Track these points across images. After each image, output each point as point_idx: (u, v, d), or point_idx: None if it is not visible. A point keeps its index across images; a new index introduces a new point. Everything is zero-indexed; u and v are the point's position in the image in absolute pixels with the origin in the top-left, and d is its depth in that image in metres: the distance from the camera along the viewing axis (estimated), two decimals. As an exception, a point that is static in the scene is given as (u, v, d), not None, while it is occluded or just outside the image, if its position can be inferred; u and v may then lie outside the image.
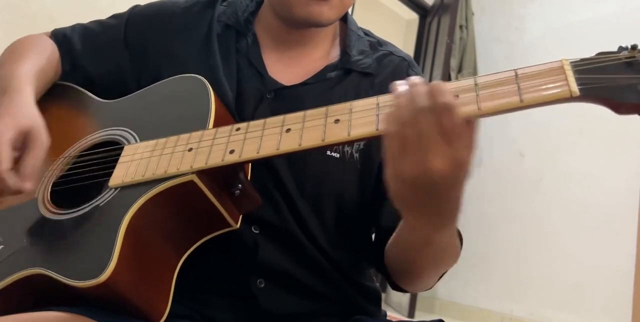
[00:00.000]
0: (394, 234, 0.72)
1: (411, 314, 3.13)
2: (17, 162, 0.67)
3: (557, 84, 0.51)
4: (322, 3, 0.76)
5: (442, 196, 0.53)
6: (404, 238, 0.67)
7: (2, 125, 0.67)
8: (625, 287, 2.59)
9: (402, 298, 3.24)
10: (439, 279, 0.80)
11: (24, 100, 0.73)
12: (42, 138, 0.69)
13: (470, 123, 0.51)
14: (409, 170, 0.51)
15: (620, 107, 0.50)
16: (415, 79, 0.53)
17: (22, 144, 0.68)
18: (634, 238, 2.62)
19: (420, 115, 0.50)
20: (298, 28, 0.83)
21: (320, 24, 0.80)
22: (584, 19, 3.21)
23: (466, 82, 0.55)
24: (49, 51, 0.88)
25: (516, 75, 0.53)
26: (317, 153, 0.76)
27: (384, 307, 0.87)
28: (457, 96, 0.54)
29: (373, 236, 0.84)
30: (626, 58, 0.50)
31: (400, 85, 0.54)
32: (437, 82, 0.52)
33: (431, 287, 0.82)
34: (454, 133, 0.50)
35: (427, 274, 0.75)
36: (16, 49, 0.87)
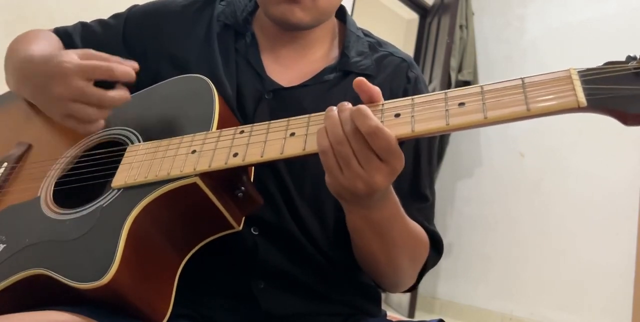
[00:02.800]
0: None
1: (411, 314, 3.13)
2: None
3: (564, 94, 0.51)
4: (293, 4, 0.76)
5: (378, 195, 0.61)
6: (349, 225, 0.71)
7: (65, 57, 0.70)
8: (626, 287, 2.59)
9: (402, 298, 3.24)
10: (418, 280, 0.81)
11: (54, 54, 0.75)
12: (91, 52, 0.73)
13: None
14: (350, 182, 0.58)
15: (628, 118, 0.49)
16: (344, 104, 0.59)
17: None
18: (634, 238, 2.62)
19: (352, 138, 0.56)
20: (284, 29, 0.83)
21: (294, 26, 0.80)
22: (584, 19, 3.21)
23: (472, 89, 0.55)
24: (56, 42, 0.89)
25: (523, 83, 0.53)
26: (316, 155, 0.76)
27: (384, 307, 0.87)
28: (463, 104, 0.54)
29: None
30: (634, 69, 0.49)
31: (332, 109, 0.59)
32: (358, 107, 0.57)
33: (411, 288, 0.83)
34: (385, 150, 0.56)
35: (384, 266, 0.76)
36: (27, 37, 0.88)
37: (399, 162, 0.57)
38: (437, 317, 0.80)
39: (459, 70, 3.52)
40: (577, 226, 2.95)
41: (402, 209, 0.70)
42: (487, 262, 3.33)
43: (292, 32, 0.84)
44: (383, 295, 0.85)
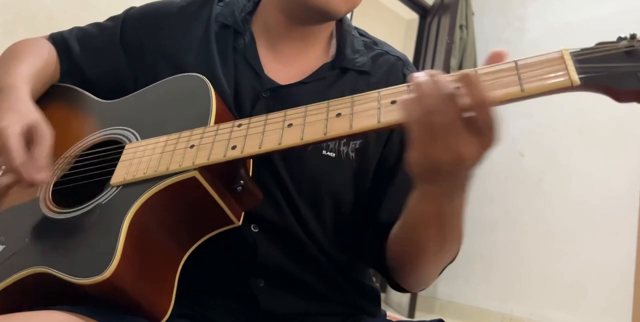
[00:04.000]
0: (403, 212, 0.70)
1: (411, 314, 3.13)
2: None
3: (557, 73, 0.51)
4: None
5: (465, 174, 0.57)
6: (416, 209, 0.67)
7: (8, 121, 0.67)
8: (626, 287, 2.59)
9: (402, 298, 3.24)
10: (439, 274, 0.79)
11: (22, 97, 0.74)
12: (47, 131, 0.69)
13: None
14: (438, 155, 0.54)
15: (621, 94, 0.50)
16: (434, 71, 0.55)
17: (29, 137, 0.68)
18: (634, 238, 2.63)
19: (446, 104, 0.52)
20: (303, 24, 0.83)
21: (332, 15, 0.80)
22: (584, 19, 3.21)
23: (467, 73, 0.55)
24: (46, 53, 0.88)
25: (516, 65, 0.54)
26: (313, 153, 0.76)
27: (384, 307, 0.87)
28: (459, 87, 0.54)
29: (370, 234, 0.83)
30: (625, 47, 0.51)
31: (420, 76, 0.55)
32: (465, 72, 0.53)
33: (429, 284, 0.81)
34: (486, 122, 0.52)
35: (431, 258, 0.73)
36: (13, 52, 0.87)
37: (494, 133, 0.54)
38: (437, 317, 0.79)
39: (459, 70, 3.52)
40: (577, 226, 2.95)
41: (465, 203, 0.68)
42: (487, 262, 3.32)
43: (301, 27, 0.84)
44: (383, 295, 0.84)
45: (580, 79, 0.50)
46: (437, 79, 0.54)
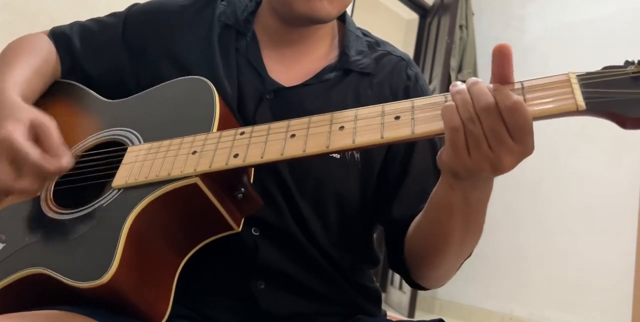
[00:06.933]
0: (426, 204, 0.70)
1: (411, 314, 3.13)
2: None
3: (563, 97, 0.51)
4: None
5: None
6: (442, 200, 0.66)
7: (8, 128, 0.66)
8: (626, 287, 2.59)
9: (402, 298, 3.24)
10: (457, 269, 0.79)
11: (11, 101, 0.73)
12: (46, 120, 0.69)
13: None
14: (476, 163, 0.55)
15: (627, 121, 0.50)
16: (473, 79, 0.56)
17: (34, 135, 0.67)
18: (634, 238, 2.63)
19: (485, 114, 0.53)
20: (298, 26, 0.83)
21: (321, 20, 0.80)
22: (583, 19, 3.21)
23: None
24: (45, 51, 0.87)
25: (522, 87, 0.54)
26: (317, 156, 0.76)
27: (384, 307, 0.87)
28: None
29: (384, 233, 0.83)
30: (633, 73, 0.50)
31: (459, 84, 0.56)
32: (476, 82, 0.54)
33: (448, 280, 0.80)
34: (521, 129, 0.52)
35: (454, 251, 0.72)
36: (10, 52, 0.86)
37: (532, 141, 0.54)
38: (437, 317, 0.79)
39: (459, 70, 3.52)
40: (577, 226, 2.95)
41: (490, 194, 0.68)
42: (488, 263, 3.32)
43: (300, 29, 0.84)
44: (383, 295, 0.84)
45: (587, 104, 0.50)
46: (479, 87, 0.54)
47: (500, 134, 0.53)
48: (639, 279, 2.53)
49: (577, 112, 0.50)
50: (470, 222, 0.67)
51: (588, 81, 0.51)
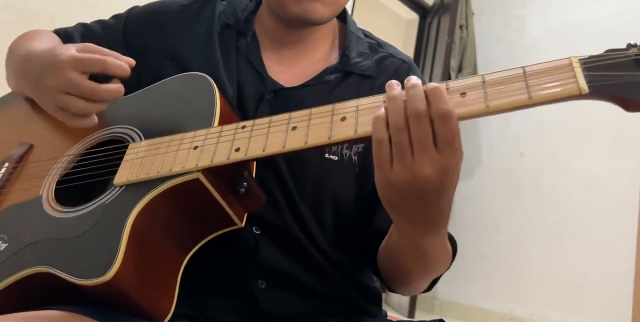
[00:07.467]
0: (385, 239, 0.72)
1: (411, 314, 3.13)
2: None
3: (565, 82, 0.50)
4: (315, 0, 0.76)
5: (429, 202, 0.55)
6: (394, 243, 0.68)
7: (64, 69, 0.69)
8: (626, 287, 2.59)
9: (402, 298, 3.24)
10: (432, 285, 0.80)
11: (51, 46, 0.76)
12: (85, 44, 0.73)
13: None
14: (397, 175, 0.53)
15: (630, 104, 0.50)
16: (413, 79, 0.54)
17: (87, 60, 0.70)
18: (634, 238, 2.63)
19: (415, 121, 0.51)
20: (295, 27, 0.83)
21: (314, 22, 0.80)
22: (583, 19, 3.21)
23: (474, 79, 0.55)
24: (56, 41, 0.89)
25: (524, 72, 0.53)
26: (316, 156, 0.76)
27: (384, 307, 0.87)
28: (465, 94, 0.54)
29: (365, 240, 0.84)
30: (635, 55, 0.50)
31: (395, 88, 0.54)
32: (435, 86, 0.52)
33: (424, 291, 0.82)
34: (447, 141, 0.51)
35: (417, 280, 0.76)
36: (28, 35, 0.88)
37: (455, 156, 0.52)
38: (437, 317, 0.79)
39: (459, 70, 3.52)
40: (577, 226, 2.95)
41: (446, 234, 0.67)
42: (488, 263, 3.33)
43: (298, 31, 0.84)
44: (383, 295, 0.84)
45: (589, 87, 0.50)
46: (414, 92, 0.53)
47: (426, 142, 0.51)
48: (639, 279, 2.53)
49: (580, 96, 0.50)
50: (427, 263, 0.68)
51: (590, 65, 0.51)
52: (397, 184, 0.53)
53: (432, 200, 0.54)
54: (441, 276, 0.80)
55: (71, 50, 0.70)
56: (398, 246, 0.67)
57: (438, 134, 0.51)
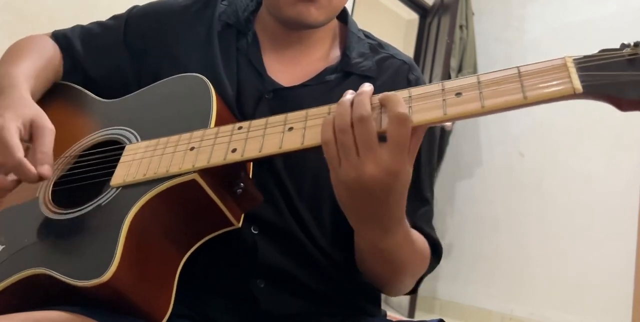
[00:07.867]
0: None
1: (411, 314, 3.13)
2: (27, 152, 0.66)
3: (560, 81, 0.51)
4: (309, 3, 0.76)
5: (377, 201, 0.58)
6: (357, 246, 0.71)
7: (5, 118, 0.66)
8: (626, 287, 2.59)
9: (402, 298, 3.23)
10: (417, 285, 0.81)
11: (21, 95, 0.73)
12: (48, 125, 0.68)
13: (415, 133, 0.55)
14: (345, 173, 0.56)
15: (623, 103, 0.50)
16: (365, 86, 0.58)
17: (29, 134, 0.68)
18: (634, 238, 2.62)
19: (358, 124, 0.55)
20: (292, 29, 0.84)
21: (309, 25, 0.80)
22: (584, 19, 3.21)
23: (469, 79, 0.55)
24: (50, 52, 0.88)
25: (519, 72, 0.54)
26: (314, 155, 0.76)
27: (384, 307, 0.87)
28: (460, 94, 0.54)
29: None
30: (629, 55, 0.50)
31: (347, 94, 0.59)
32: (393, 93, 0.56)
33: (410, 292, 0.83)
34: (397, 143, 0.54)
35: (392, 281, 0.77)
36: (16, 50, 0.87)
37: (401, 160, 0.55)
38: (437, 317, 0.80)
39: (459, 70, 3.52)
40: (577, 226, 2.95)
41: (410, 233, 0.69)
42: (487, 263, 3.32)
43: (297, 32, 0.84)
44: (383, 295, 0.84)
45: (583, 87, 0.50)
46: (360, 99, 0.56)
47: (371, 143, 0.55)
48: (639, 279, 2.53)
49: (575, 95, 0.50)
50: (393, 264, 0.70)
51: (584, 65, 0.51)
52: (345, 182, 0.57)
53: (380, 199, 0.58)
54: (424, 276, 0.81)
55: (13, 125, 0.65)
56: (361, 248, 0.70)
57: (391, 136, 0.54)
